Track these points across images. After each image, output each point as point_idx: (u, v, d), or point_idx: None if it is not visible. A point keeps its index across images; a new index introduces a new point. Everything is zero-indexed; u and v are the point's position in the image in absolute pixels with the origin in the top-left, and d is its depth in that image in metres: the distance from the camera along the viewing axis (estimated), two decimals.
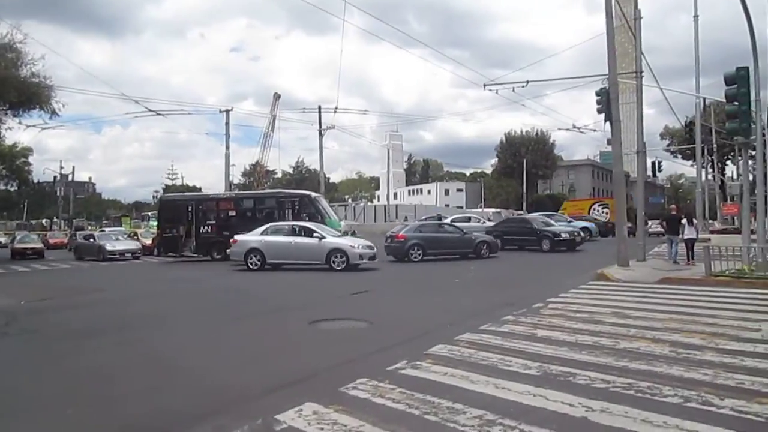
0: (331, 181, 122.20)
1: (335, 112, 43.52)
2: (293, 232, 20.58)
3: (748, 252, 14.40)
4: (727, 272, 13.77)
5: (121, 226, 56.03)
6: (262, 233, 20.53)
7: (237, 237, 21.23)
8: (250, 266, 19.93)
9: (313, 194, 28.98)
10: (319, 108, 43.18)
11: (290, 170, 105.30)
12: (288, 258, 20.00)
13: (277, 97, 71.16)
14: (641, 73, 21.04)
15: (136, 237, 35.43)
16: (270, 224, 21.96)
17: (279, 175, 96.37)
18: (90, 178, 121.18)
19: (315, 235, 20.00)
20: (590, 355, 6.66)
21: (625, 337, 7.56)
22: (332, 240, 20.03)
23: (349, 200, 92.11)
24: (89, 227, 60.24)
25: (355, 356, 7.05)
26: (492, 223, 32.96)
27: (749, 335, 7.57)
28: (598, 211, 43.92)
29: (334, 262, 19.13)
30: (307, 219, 25.90)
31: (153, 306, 12.76)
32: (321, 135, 42.86)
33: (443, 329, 8.44)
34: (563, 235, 26.72)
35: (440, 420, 4.62)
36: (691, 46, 32.68)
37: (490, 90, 23.76)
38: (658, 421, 4.44)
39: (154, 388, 5.99)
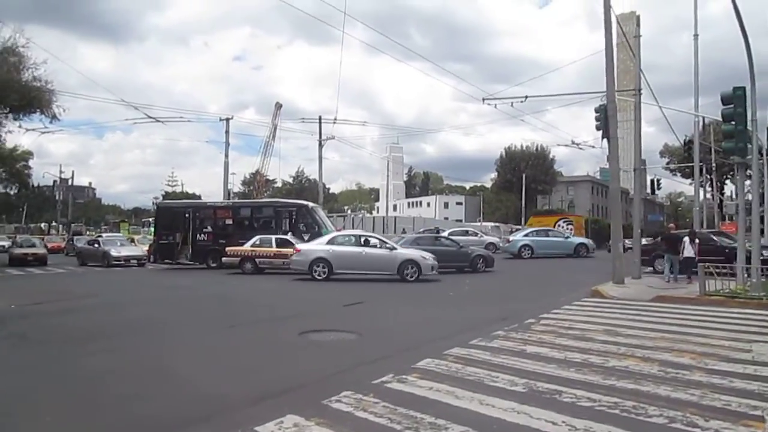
0: (330, 191, 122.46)
1: (334, 122, 43.50)
2: (361, 242, 20.60)
3: (743, 272, 14.35)
4: (721, 292, 13.72)
5: (119, 231, 55.96)
6: (328, 243, 20.34)
7: (300, 246, 21.08)
8: (316, 276, 19.45)
9: (311, 204, 29.01)
10: (320, 118, 43.26)
11: (290, 180, 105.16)
12: (357, 268, 19.78)
13: (278, 106, 71.29)
14: (640, 90, 21.08)
15: (133, 243, 35.32)
16: (335, 233, 22.24)
17: (279, 184, 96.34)
18: (90, 183, 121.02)
19: (386, 245, 20.26)
20: (578, 372, 6.61)
21: (614, 356, 7.51)
22: (404, 251, 20.38)
23: (348, 211, 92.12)
24: (87, 232, 60.05)
25: (342, 368, 7.00)
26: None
27: (740, 356, 7.52)
28: (563, 227, 43.93)
29: (406, 274, 19.32)
30: (304, 229, 25.98)
31: (146, 313, 12.72)
32: (321, 145, 42.90)
33: (433, 343, 8.39)
34: None
35: None
36: (692, 65, 32.75)
37: (488, 104, 23.78)
38: None
39: (138, 396, 5.94)
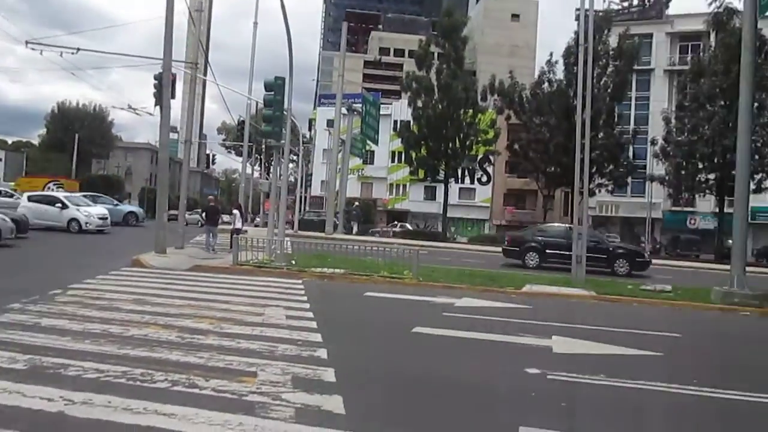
0: None
1: None
2: (47, 201, 25.25)
3: (270, 244, 16.05)
4: (251, 262, 15.08)
5: None
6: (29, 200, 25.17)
7: None
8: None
9: None
10: None
11: None
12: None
13: None
14: (197, 64, 21.62)
15: None
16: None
17: None
18: None
19: (57, 205, 24.88)
20: (93, 344, 6.40)
21: (137, 324, 7.53)
22: (71, 211, 24.91)
23: None
24: None
25: None
26: None
27: (252, 319, 8.35)
28: (52, 189, 43.07)
29: (71, 227, 24.18)
30: None
31: None
32: None
33: None
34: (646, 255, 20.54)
35: None
36: (257, 50, 34.99)
37: (34, 50, 21.21)
38: (139, 408, 4.47)
39: None
